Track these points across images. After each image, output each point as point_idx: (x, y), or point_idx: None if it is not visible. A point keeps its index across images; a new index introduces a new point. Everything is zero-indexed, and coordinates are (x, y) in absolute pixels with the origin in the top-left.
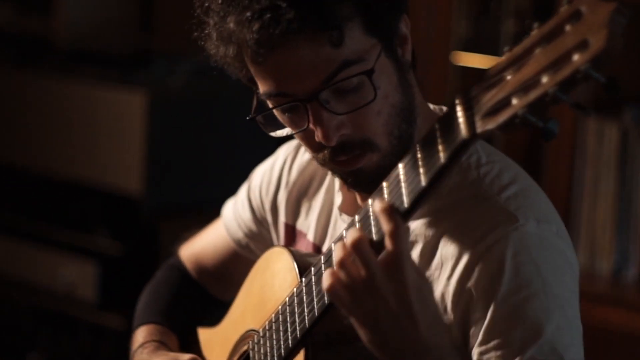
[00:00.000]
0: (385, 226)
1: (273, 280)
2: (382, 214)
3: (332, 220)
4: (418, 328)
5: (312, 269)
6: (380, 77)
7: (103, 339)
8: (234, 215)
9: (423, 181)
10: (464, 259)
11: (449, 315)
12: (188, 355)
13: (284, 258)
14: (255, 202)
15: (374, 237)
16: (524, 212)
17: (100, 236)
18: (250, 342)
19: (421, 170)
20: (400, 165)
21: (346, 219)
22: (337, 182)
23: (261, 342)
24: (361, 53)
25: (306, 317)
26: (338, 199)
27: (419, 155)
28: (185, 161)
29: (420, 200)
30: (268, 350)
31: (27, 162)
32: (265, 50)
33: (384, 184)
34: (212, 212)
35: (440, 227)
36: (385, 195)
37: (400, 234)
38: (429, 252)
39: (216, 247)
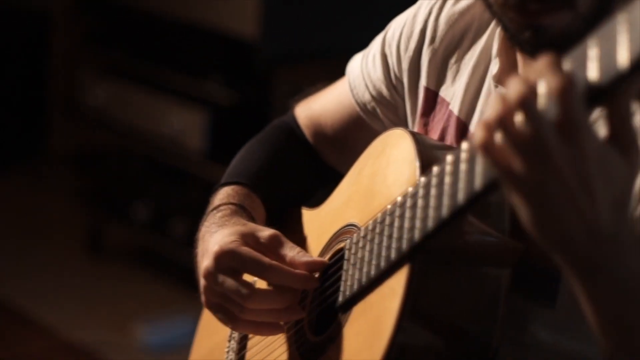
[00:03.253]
0: (551, 82)
1: (387, 170)
2: (547, 68)
3: (484, 92)
4: (597, 209)
5: (435, 168)
6: None
7: (210, 191)
8: (362, 72)
9: (620, 60)
10: None
11: None
12: (270, 231)
13: (404, 145)
14: (391, 60)
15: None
16: None
17: (212, 82)
18: (349, 240)
19: (619, 47)
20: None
21: (503, 92)
22: (495, 44)
23: (360, 243)
24: None
25: (417, 228)
26: (495, 66)
27: (618, 28)
28: (306, 4)
29: (618, 82)
30: (366, 256)
31: (139, 1)
32: None
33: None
34: (333, 62)
35: None
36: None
37: (570, 92)
38: None
39: (337, 108)
